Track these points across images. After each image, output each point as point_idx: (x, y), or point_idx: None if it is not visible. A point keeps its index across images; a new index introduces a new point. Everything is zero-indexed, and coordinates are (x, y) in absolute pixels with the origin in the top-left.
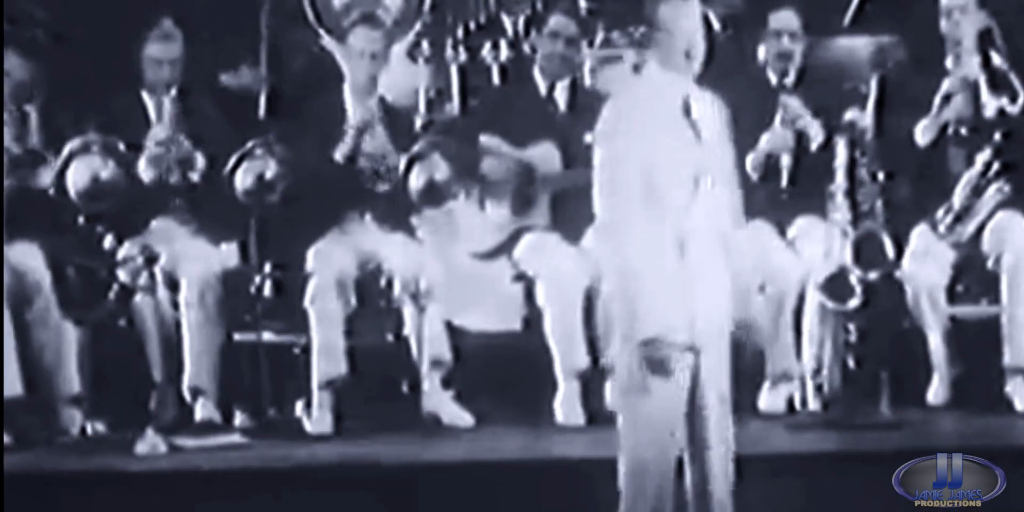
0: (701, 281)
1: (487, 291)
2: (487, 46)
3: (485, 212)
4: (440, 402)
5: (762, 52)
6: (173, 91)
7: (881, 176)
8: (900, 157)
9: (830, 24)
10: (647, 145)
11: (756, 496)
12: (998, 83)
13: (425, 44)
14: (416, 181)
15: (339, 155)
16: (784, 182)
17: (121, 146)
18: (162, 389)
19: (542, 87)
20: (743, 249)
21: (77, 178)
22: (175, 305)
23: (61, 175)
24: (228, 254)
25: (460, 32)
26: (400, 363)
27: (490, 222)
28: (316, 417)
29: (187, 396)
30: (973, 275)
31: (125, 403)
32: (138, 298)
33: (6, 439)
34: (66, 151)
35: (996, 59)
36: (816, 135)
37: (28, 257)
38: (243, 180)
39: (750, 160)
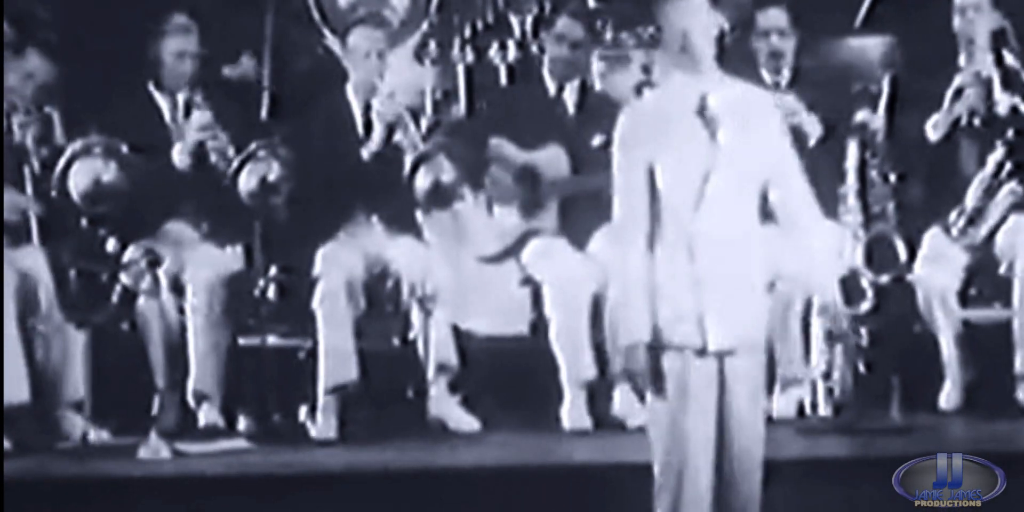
0: (714, 283)
1: (494, 295)
2: (494, 46)
3: (493, 216)
4: (446, 407)
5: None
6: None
7: (893, 178)
8: (912, 158)
9: (840, 24)
10: (658, 147)
11: (766, 502)
12: (1011, 82)
13: (432, 44)
14: (422, 183)
15: (367, 153)
16: None
17: (124, 148)
18: (165, 394)
19: (551, 88)
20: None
21: (79, 181)
22: (180, 309)
23: (63, 178)
24: (233, 257)
25: (467, 32)
26: (406, 367)
27: (498, 226)
28: (321, 422)
29: (191, 401)
30: (986, 278)
31: (128, 408)
32: (141, 302)
33: (7, 444)
34: (68, 153)
35: (1009, 58)
36: (813, 130)
37: (30, 260)
38: (247, 182)
39: None
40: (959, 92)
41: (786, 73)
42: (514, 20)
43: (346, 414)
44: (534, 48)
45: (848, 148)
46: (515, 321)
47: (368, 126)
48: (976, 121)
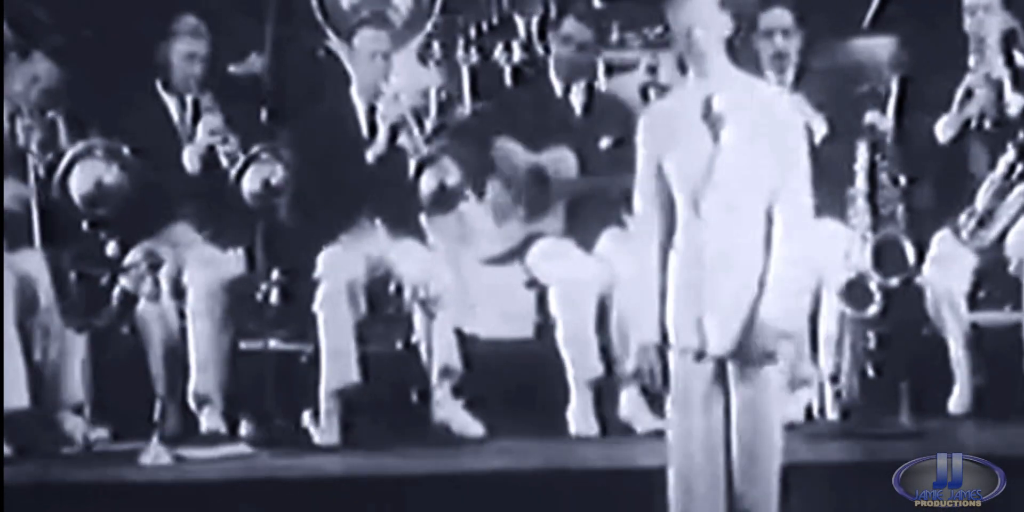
0: (721, 286)
1: (498, 298)
2: (499, 47)
3: (498, 217)
4: (450, 411)
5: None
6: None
7: (903, 180)
8: (922, 160)
9: (848, 24)
10: (667, 149)
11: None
12: (1022, 83)
13: (436, 45)
14: (426, 185)
15: (371, 155)
16: None
17: (125, 150)
18: (166, 398)
19: (558, 89)
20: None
21: (80, 183)
22: (181, 313)
23: (63, 180)
24: (235, 260)
25: (472, 33)
26: (410, 371)
27: (502, 228)
28: (323, 427)
29: (192, 405)
30: (995, 281)
31: (128, 413)
32: (142, 305)
33: (7, 450)
34: (68, 155)
35: (1020, 59)
36: (819, 129)
37: (30, 264)
38: (249, 185)
39: None
40: (969, 93)
41: (790, 73)
42: (519, 20)
43: (349, 419)
44: (540, 49)
45: (857, 150)
46: (519, 324)
47: (372, 128)
48: (987, 123)
